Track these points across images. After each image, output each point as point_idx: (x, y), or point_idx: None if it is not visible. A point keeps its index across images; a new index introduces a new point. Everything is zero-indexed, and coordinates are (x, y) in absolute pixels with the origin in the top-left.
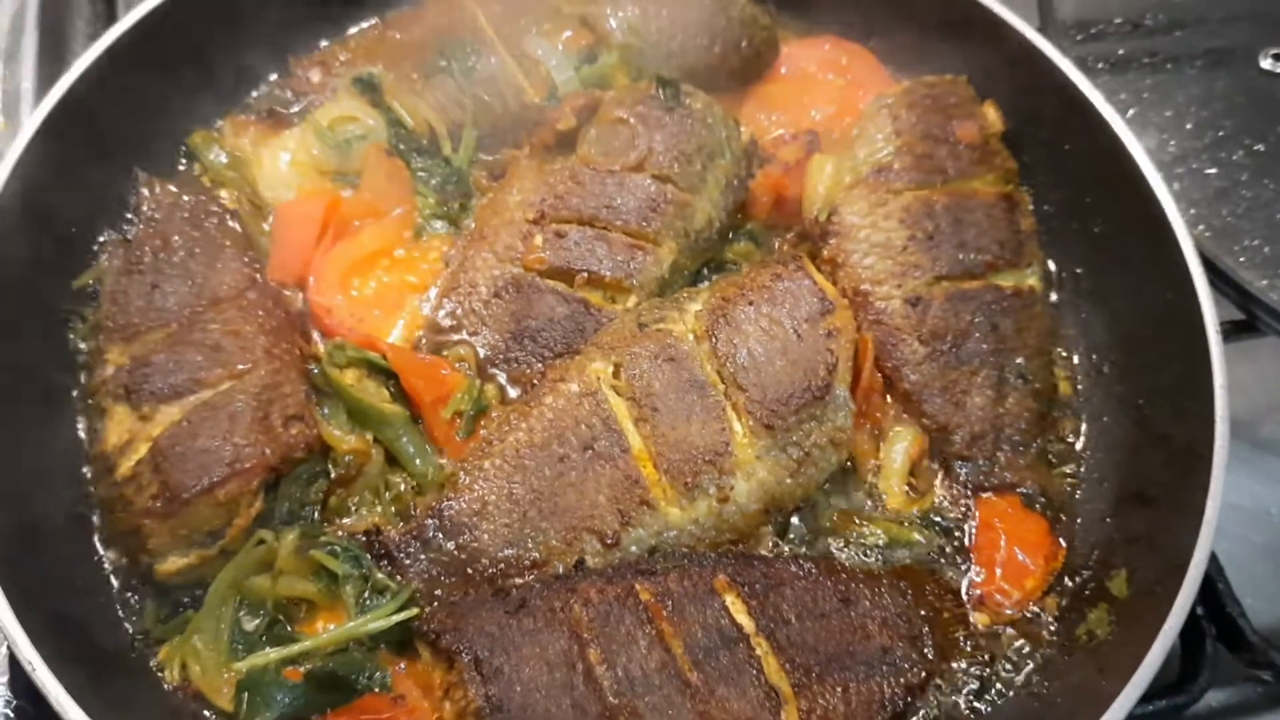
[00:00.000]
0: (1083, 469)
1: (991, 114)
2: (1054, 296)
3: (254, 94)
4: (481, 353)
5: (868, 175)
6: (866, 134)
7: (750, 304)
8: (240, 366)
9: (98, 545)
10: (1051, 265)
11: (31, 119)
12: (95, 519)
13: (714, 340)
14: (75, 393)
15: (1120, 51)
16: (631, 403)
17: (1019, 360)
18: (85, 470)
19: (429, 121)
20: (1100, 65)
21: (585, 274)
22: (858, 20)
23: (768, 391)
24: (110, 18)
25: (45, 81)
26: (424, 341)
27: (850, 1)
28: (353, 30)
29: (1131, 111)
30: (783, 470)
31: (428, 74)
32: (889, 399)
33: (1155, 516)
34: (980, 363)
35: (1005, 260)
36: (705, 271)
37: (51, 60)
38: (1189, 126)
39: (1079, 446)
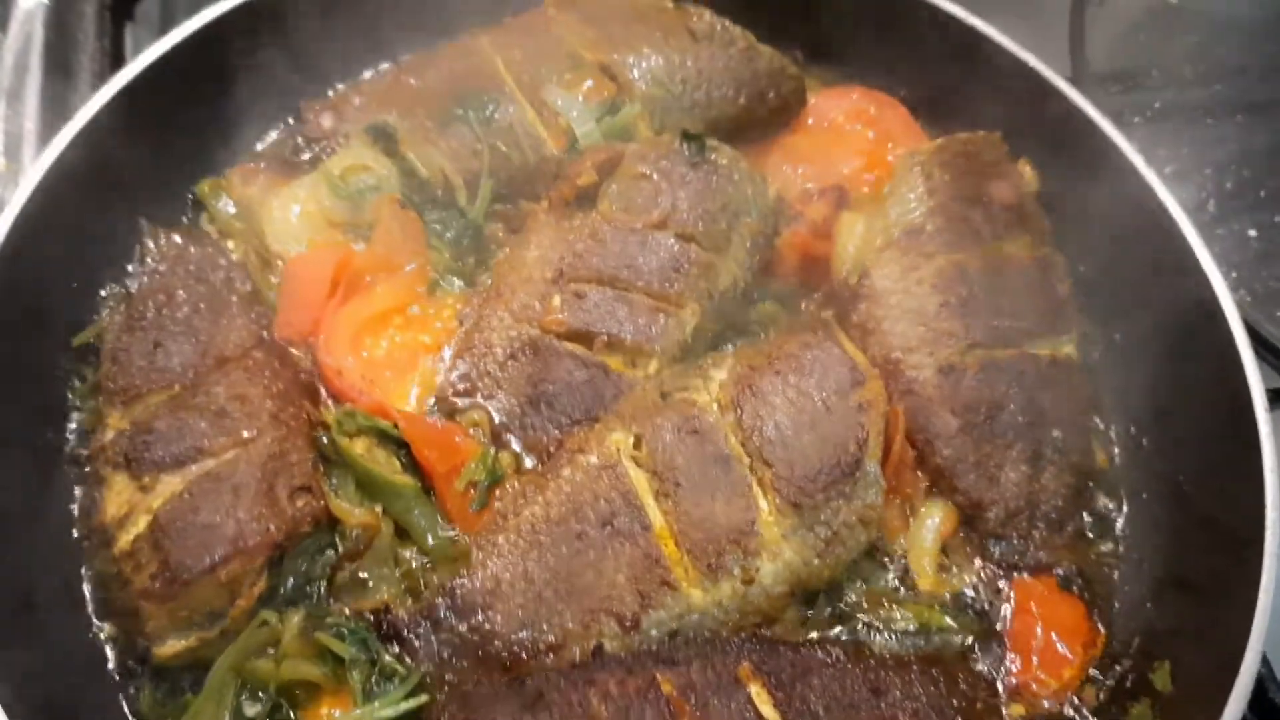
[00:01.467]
0: (1121, 548)
1: (1027, 172)
2: (1090, 361)
3: (265, 140)
4: (496, 418)
5: (899, 237)
6: (898, 193)
7: (777, 374)
8: (245, 434)
9: (93, 620)
10: (1087, 330)
11: (34, 168)
12: (91, 592)
13: (739, 412)
14: (73, 457)
15: (1157, 104)
16: (653, 476)
17: (1055, 433)
18: (81, 540)
19: (444, 172)
20: (1136, 119)
21: (605, 337)
22: (887, 69)
23: (795, 467)
24: (117, 55)
25: (49, 122)
26: (437, 405)
27: (879, 50)
28: (367, 75)
29: (1169, 168)
30: (810, 550)
31: (443, 122)
32: (920, 472)
33: (1200, 606)
34: (1015, 436)
35: (1041, 328)
36: (728, 335)
37: (56, 100)
38: (1229, 185)
39: (1117, 524)
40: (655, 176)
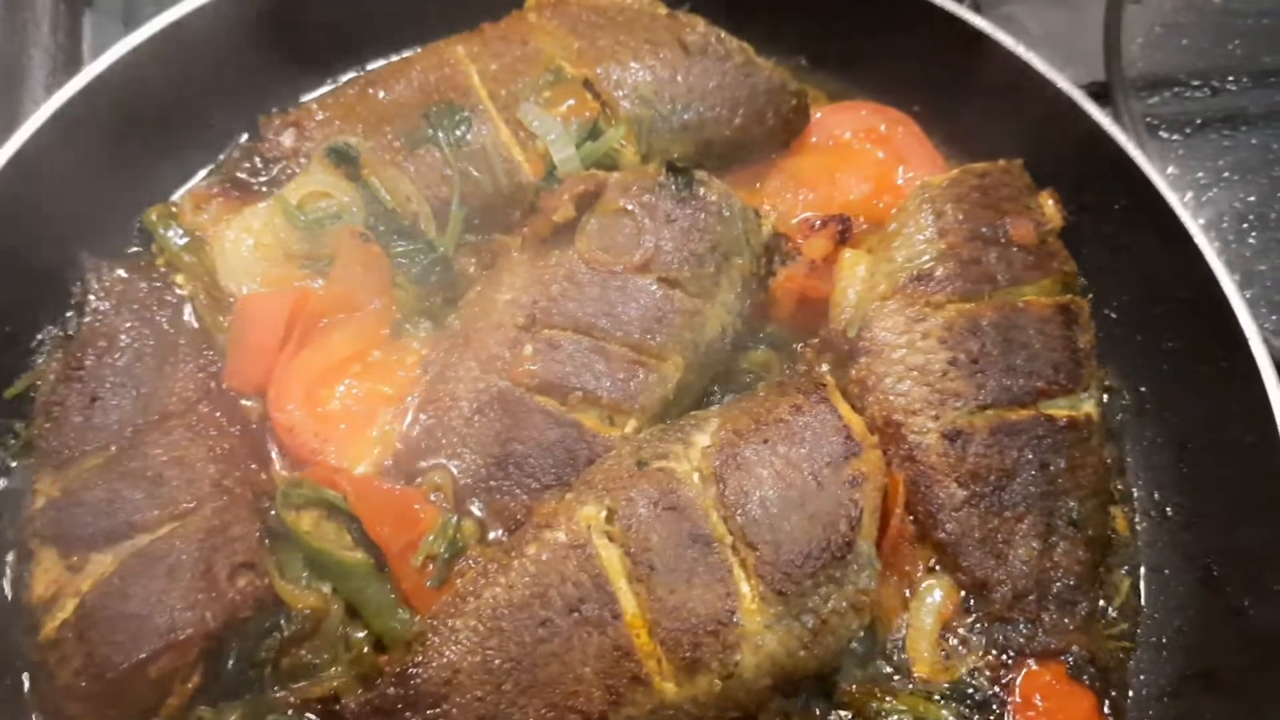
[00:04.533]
0: (1139, 631)
1: (1050, 207)
2: (1113, 416)
3: (219, 159)
4: (460, 480)
5: (905, 283)
6: (905, 233)
7: (765, 442)
8: (184, 505)
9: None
10: (1111, 381)
11: None
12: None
13: (722, 485)
14: (4, 523)
15: (1197, 120)
16: (625, 556)
17: (1070, 504)
18: (12, 620)
19: (411, 199)
20: (1175, 136)
21: (580, 392)
22: (900, 82)
23: (781, 550)
24: (74, 50)
25: None
26: (396, 466)
27: (892, 61)
28: (331, 85)
29: (1208, 194)
30: (795, 641)
31: (411, 143)
32: (919, 547)
33: (1226, 707)
34: (1026, 508)
35: (1059, 386)
36: (717, 384)
37: (6, 103)
38: (1274, 215)
39: (1135, 603)
40: (638, 213)
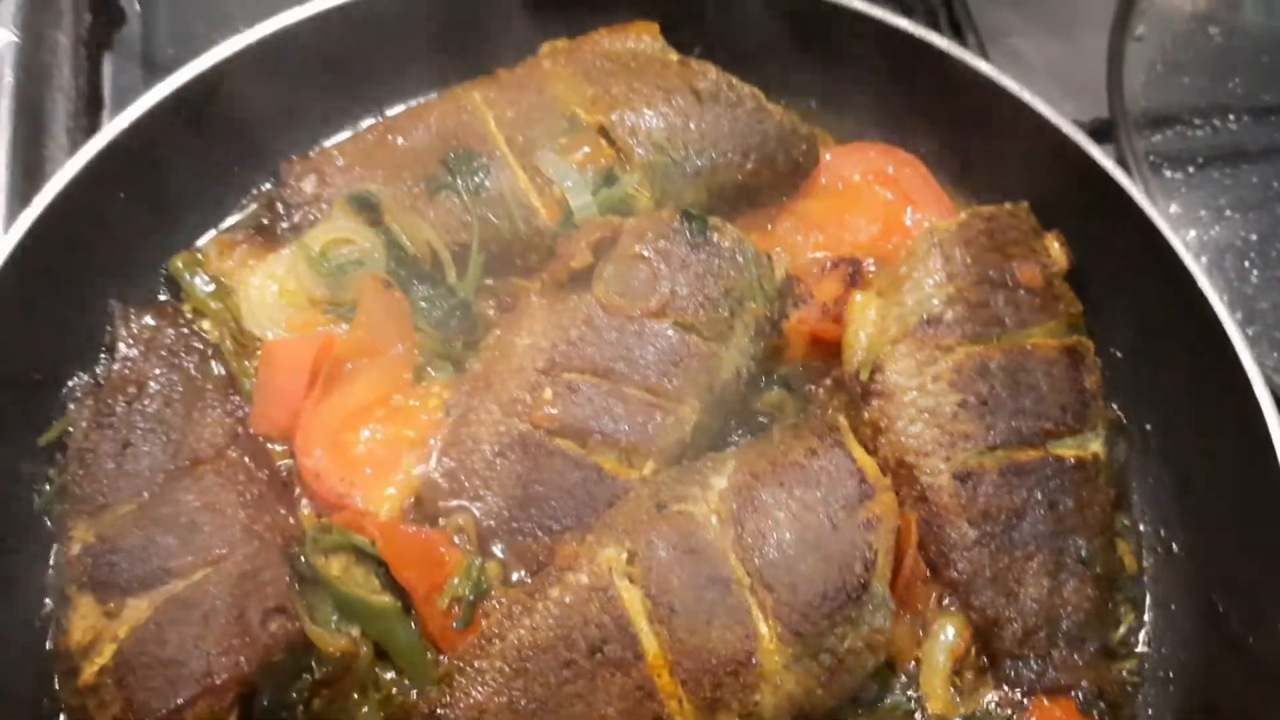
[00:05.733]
0: (1146, 665)
1: (1056, 249)
2: (1119, 453)
3: (243, 207)
4: (483, 521)
5: (915, 327)
6: (915, 277)
7: (781, 485)
8: (217, 551)
9: None
10: (1116, 418)
11: None
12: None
13: (740, 528)
14: (40, 568)
15: (1200, 159)
16: (647, 598)
17: (1079, 542)
18: (50, 664)
19: (431, 245)
20: (1177, 174)
21: (599, 435)
22: (908, 124)
23: (798, 592)
24: (95, 95)
25: (20, 174)
26: (420, 508)
27: (898, 102)
28: (351, 130)
29: (1211, 232)
30: (813, 680)
31: (431, 190)
32: (932, 585)
33: None
34: (1036, 546)
35: (1067, 427)
36: (732, 424)
37: (28, 148)
38: (1274, 254)
39: (1142, 638)
40: (654, 259)
